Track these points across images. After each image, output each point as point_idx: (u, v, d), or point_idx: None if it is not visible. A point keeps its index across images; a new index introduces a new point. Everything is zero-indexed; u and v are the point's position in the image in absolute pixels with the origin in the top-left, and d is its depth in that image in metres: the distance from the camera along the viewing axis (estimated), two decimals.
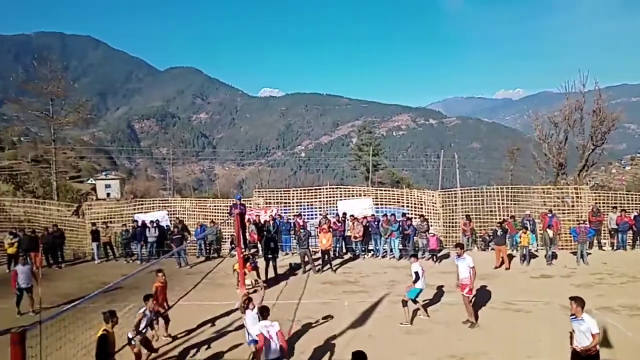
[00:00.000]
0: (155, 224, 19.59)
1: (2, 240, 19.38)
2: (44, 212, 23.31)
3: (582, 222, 17.81)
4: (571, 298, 7.30)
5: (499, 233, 16.84)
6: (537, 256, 17.75)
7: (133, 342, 8.81)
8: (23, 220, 22.39)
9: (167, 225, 20.77)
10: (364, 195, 23.01)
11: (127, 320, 11.49)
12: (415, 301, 11.32)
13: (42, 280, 12.28)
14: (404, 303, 11.11)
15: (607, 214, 19.62)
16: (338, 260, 18.05)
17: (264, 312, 8.13)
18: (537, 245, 18.66)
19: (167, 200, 25.41)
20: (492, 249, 17.91)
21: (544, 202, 21.31)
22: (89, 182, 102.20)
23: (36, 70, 34.97)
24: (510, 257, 17.18)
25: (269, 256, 15.75)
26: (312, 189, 24.05)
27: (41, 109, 33.21)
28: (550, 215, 18.51)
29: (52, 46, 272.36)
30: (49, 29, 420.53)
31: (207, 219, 21.49)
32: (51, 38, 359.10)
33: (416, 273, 11.06)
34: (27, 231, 19.44)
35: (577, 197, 21.00)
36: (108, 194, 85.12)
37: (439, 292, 13.52)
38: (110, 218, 22.55)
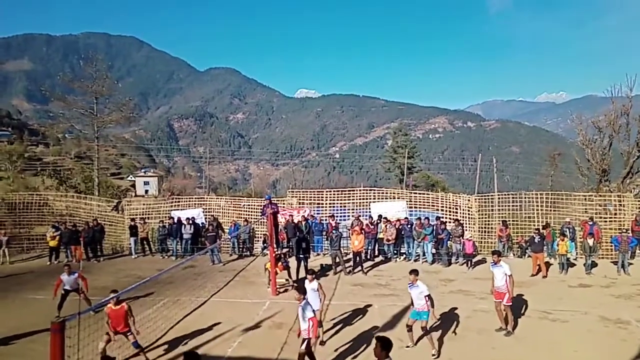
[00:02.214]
0: (190, 221, 19.98)
1: (45, 233, 20.18)
2: (85, 206, 24.04)
3: (624, 230, 17.12)
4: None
5: (536, 240, 16.37)
6: (575, 265, 17.19)
7: None
8: (65, 215, 23.12)
9: (202, 223, 21.14)
10: (398, 198, 22.81)
11: (161, 313, 11.81)
12: (410, 327, 9.91)
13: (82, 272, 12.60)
14: (424, 330, 9.70)
15: None
16: (369, 263, 17.94)
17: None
18: (577, 254, 18.08)
19: (203, 198, 25.83)
20: (529, 256, 17.47)
21: (585, 209, 20.59)
22: (129, 178, 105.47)
23: (82, 69, 36.24)
24: (548, 265, 16.71)
25: (300, 256, 15.79)
26: (345, 191, 23.99)
27: (86, 107, 34.33)
28: (591, 223, 17.89)
29: (98, 46, 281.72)
30: (95, 30, 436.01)
31: (241, 217, 21.75)
32: (97, 38, 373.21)
33: (429, 296, 9.67)
34: (69, 225, 20.00)
35: (620, 204, 20.22)
36: (146, 191, 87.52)
37: (472, 299, 13.27)
38: (148, 214, 23.06)
